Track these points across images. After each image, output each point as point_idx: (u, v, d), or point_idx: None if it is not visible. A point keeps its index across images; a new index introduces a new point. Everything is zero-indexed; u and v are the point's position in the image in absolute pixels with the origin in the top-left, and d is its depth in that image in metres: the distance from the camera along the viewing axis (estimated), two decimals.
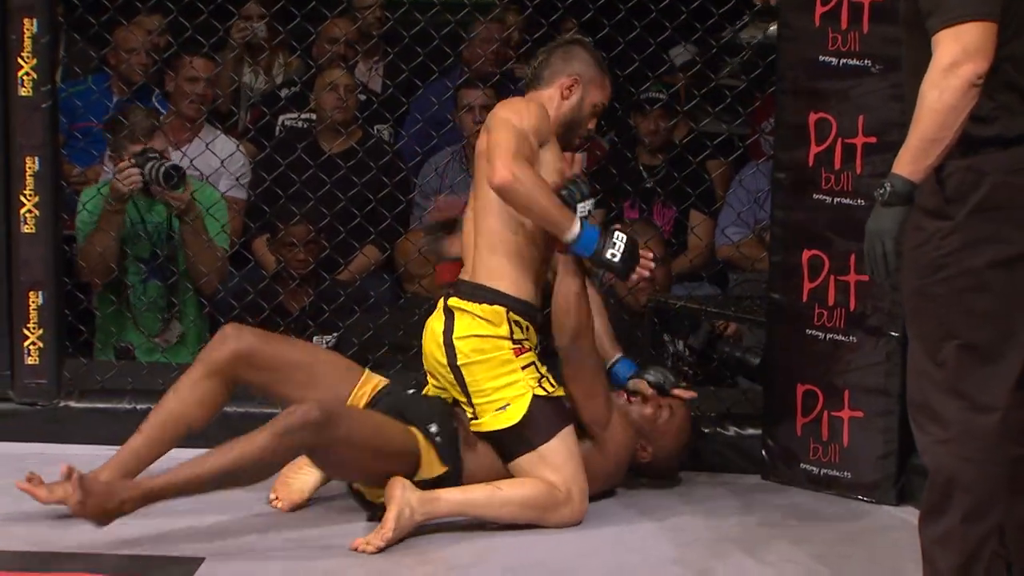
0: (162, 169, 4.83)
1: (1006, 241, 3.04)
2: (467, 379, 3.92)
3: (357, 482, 3.95)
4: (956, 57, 2.97)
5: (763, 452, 4.49)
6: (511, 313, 3.94)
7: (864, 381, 4.24)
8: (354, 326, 4.90)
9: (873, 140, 4.19)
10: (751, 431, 4.54)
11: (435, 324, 3.98)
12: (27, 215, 4.54)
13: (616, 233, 3.94)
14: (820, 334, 4.34)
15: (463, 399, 3.96)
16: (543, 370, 3.97)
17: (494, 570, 3.70)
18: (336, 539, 3.82)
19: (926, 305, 3.10)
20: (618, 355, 4.23)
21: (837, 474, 4.35)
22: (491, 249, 3.97)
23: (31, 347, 4.59)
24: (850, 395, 4.29)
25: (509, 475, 3.95)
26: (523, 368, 3.93)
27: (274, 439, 3.59)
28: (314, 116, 5.70)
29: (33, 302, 4.57)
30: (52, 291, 4.58)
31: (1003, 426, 3.07)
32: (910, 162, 3.05)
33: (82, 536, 3.73)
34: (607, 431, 4.09)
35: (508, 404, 3.91)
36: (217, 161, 5.33)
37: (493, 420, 3.93)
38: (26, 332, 4.57)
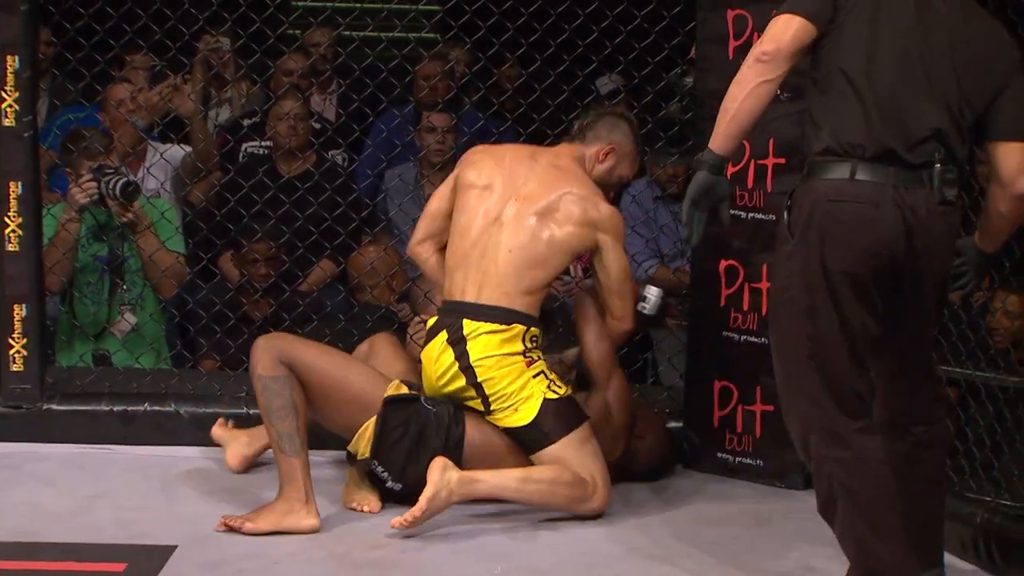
0: (119, 183, 5.00)
1: (826, 265, 3.19)
2: (487, 389, 4.12)
3: (340, 423, 4.11)
4: (759, 40, 3.28)
5: (684, 444, 4.73)
6: (528, 331, 4.16)
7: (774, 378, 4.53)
8: (312, 333, 5.04)
9: (782, 161, 4.46)
10: (673, 424, 4.77)
11: (443, 358, 4.15)
12: (11, 235, 4.71)
13: (648, 287, 4.34)
14: (735, 336, 4.60)
15: (480, 407, 4.15)
16: (552, 376, 4.17)
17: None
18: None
19: (778, 322, 3.33)
20: None
21: (750, 462, 4.60)
22: (520, 281, 4.15)
23: (16, 355, 4.75)
24: (762, 391, 4.54)
25: (520, 454, 4.12)
26: (534, 377, 4.14)
27: (258, 380, 3.97)
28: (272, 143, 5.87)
29: (17, 314, 4.74)
30: (34, 304, 4.74)
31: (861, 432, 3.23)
32: (714, 130, 3.30)
33: (61, 529, 3.92)
34: (610, 386, 4.30)
35: (520, 407, 4.12)
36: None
37: (506, 418, 4.13)
38: (11, 342, 4.74)
